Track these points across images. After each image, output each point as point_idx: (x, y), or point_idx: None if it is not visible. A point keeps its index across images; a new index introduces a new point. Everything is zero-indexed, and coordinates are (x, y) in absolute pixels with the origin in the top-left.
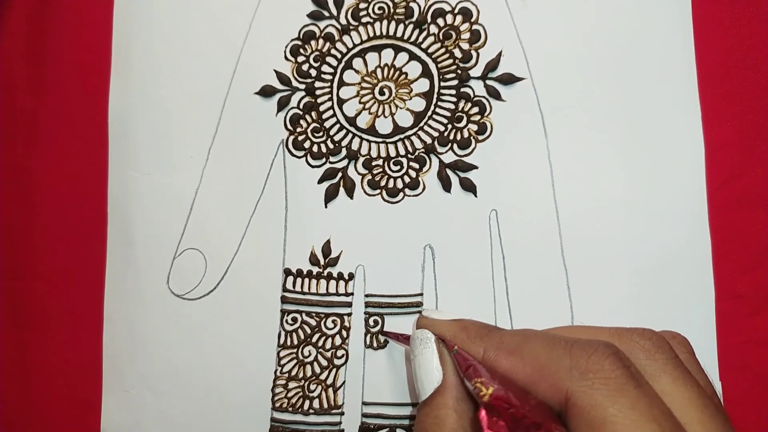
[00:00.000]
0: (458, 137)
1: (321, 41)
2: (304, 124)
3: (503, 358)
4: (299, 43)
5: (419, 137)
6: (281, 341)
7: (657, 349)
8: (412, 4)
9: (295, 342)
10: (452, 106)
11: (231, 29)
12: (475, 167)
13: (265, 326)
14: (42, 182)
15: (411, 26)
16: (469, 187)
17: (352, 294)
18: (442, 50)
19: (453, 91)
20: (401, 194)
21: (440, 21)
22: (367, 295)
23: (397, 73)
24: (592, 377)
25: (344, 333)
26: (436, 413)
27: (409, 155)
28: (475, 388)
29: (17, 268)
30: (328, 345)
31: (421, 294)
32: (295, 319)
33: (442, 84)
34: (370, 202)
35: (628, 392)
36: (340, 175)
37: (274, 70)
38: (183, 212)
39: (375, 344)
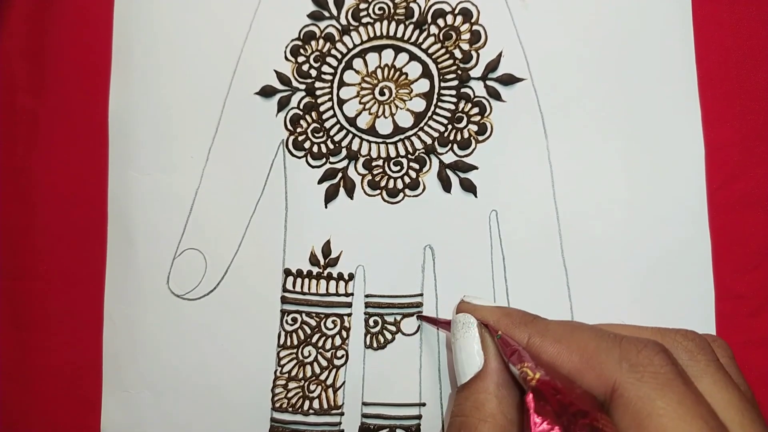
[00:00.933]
0: (458, 138)
1: (321, 41)
2: (305, 125)
3: (549, 345)
4: (299, 43)
5: (419, 138)
6: (281, 341)
7: (699, 351)
8: (412, 5)
9: (295, 342)
10: (452, 107)
11: (231, 29)
12: (475, 168)
13: (265, 326)
14: (42, 182)
15: (411, 27)
16: (469, 187)
17: (352, 294)
18: (443, 51)
19: (453, 92)
20: (401, 195)
21: (440, 21)
22: (367, 296)
23: (398, 73)
24: (642, 370)
25: (344, 333)
26: (476, 397)
27: (410, 156)
28: (521, 372)
29: (17, 268)
30: (328, 345)
31: (421, 294)
32: (295, 320)
33: (443, 84)
34: (370, 202)
35: (676, 388)
36: (340, 175)
37: (275, 71)
38: (183, 212)
39: (375, 344)
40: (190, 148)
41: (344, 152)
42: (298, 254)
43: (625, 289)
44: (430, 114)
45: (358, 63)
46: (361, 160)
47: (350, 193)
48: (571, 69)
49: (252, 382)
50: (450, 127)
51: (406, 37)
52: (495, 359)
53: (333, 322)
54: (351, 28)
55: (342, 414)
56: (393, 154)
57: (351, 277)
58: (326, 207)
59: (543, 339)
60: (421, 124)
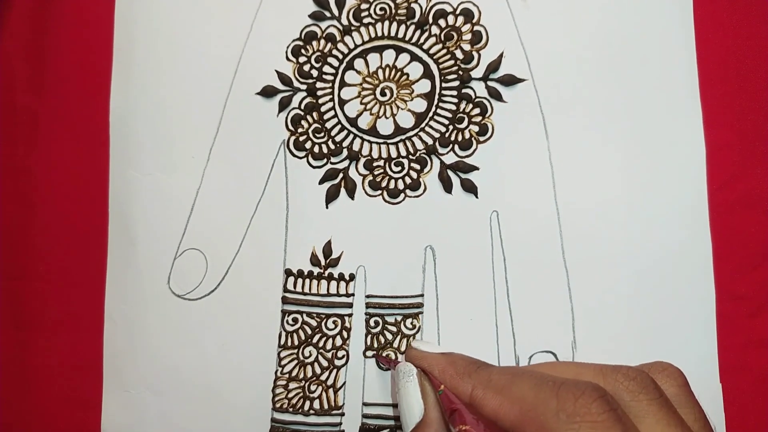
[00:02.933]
0: (459, 138)
1: (322, 42)
2: (306, 125)
3: (491, 397)
4: (301, 43)
5: (420, 138)
6: (282, 342)
7: (641, 390)
8: (413, 5)
9: (296, 342)
10: (453, 107)
11: (232, 29)
12: (476, 168)
13: (266, 327)
14: (42, 182)
15: (412, 27)
16: (470, 188)
17: (352, 295)
18: (444, 51)
19: (454, 92)
20: (402, 195)
21: (442, 22)
22: (367, 296)
23: (399, 73)
24: (579, 420)
25: (345, 334)
26: None
27: (410, 156)
28: None
29: (17, 268)
30: (329, 345)
31: (422, 295)
32: (295, 320)
33: (444, 85)
34: (371, 202)
35: None
36: (341, 175)
37: (276, 71)
38: (184, 212)
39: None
40: (191, 149)
41: (345, 152)
42: (299, 254)
43: (625, 290)
44: (431, 114)
45: (359, 63)
46: (362, 160)
47: (351, 194)
48: (572, 70)
49: (252, 382)
50: (451, 127)
51: (407, 38)
52: (435, 409)
53: (334, 322)
54: (352, 28)
55: (342, 414)
56: (394, 154)
57: (352, 277)
58: (327, 207)
59: (485, 391)
60: (422, 125)
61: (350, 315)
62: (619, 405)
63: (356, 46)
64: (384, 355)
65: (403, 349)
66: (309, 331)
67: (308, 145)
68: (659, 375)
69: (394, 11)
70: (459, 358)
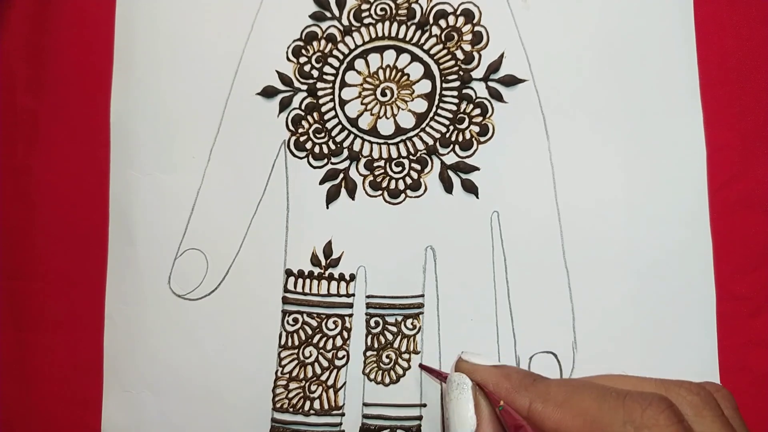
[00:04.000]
0: (460, 138)
1: (323, 42)
2: (306, 125)
3: (551, 411)
4: (301, 43)
5: (421, 138)
6: (282, 342)
7: (704, 406)
8: (414, 6)
9: (296, 343)
10: (454, 108)
11: (233, 30)
12: (477, 169)
13: (266, 327)
14: (42, 182)
15: (413, 27)
16: (470, 188)
17: (353, 295)
18: (444, 51)
19: (455, 93)
20: (403, 195)
21: (442, 22)
22: (368, 296)
23: (399, 74)
24: (648, 431)
25: (345, 334)
26: None
27: (411, 156)
28: None
29: (17, 268)
30: (329, 346)
31: (422, 295)
32: (296, 320)
33: (444, 85)
34: (372, 203)
35: None
36: (341, 176)
37: (276, 71)
38: (184, 212)
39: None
40: (191, 149)
41: (346, 153)
42: (300, 255)
43: (626, 290)
44: (431, 115)
45: (359, 64)
46: (363, 160)
47: (352, 194)
48: (572, 70)
49: (253, 382)
50: (452, 128)
51: (407, 38)
52: (489, 424)
53: (334, 322)
54: (353, 28)
55: (343, 414)
56: (394, 154)
57: (352, 277)
58: (328, 207)
59: (545, 404)
60: (423, 125)
61: (351, 315)
62: (685, 419)
63: (357, 47)
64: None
65: (403, 349)
66: (309, 331)
67: (309, 145)
68: (715, 395)
69: (394, 12)
70: (514, 371)
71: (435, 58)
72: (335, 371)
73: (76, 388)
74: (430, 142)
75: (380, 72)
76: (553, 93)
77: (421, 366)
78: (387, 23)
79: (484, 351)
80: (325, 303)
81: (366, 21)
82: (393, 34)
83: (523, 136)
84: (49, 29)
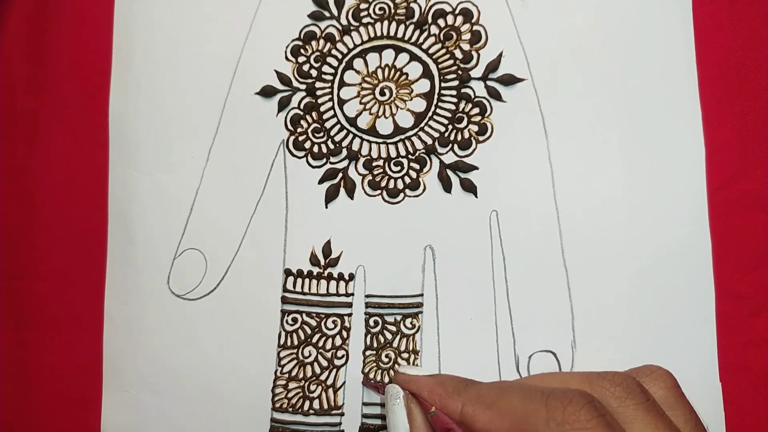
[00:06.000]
0: (459, 138)
1: (322, 41)
2: (305, 125)
3: (481, 412)
4: (300, 43)
5: (420, 138)
6: (281, 341)
7: (627, 395)
8: (412, 5)
9: (296, 342)
10: (453, 107)
11: (232, 29)
12: (476, 168)
13: (266, 326)
14: (42, 182)
15: (412, 27)
16: (469, 187)
17: (352, 294)
18: (443, 51)
19: (453, 92)
20: (402, 195)
21: (441, 22)
22: (367, 296)
23: (398, 73)
24: (569, 428)
25: (344, 333)
26: None
27: (410, 156)
28: None
29: (17, 268)
30: (329, 345)
31: (422, 295)
32: (295, 320)
33: (443, 85)
34: (371, 202)
35: None
36: (340, 175)
37: (275, 71)
38: (183, 212)
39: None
40: (190, 148)
41: (345, 152)
42: (299, 254)
43: (625, 290)
44: (430, 114)
45: (358, 63)
46: (362, 160)
47: (351, 194)
48: (571, 69)
49: (252, 382)
50: (450, 127)
51: (406, 38)
52: (420, 431)
53: (333, 322)
54: (351, 28)
55: (342, 414)
56: (393, 154)
57: (351, 277)
58: (327, 207)
59: (476, 407)
60: (422, 125)
61: (350, 315)
62: (608, 411)
63: (355, 46)
64: (371, 380)
65: (402, 348)
66: (309, 331)
67: (307, 144)
68: (647, 378)
69: (393, 11)
70: (447, 378)
71: (434, 57)
72: (334, 371)
73: (75, 388)
74: (429, 141)
75: (379, 71)
76: (552, 92)
77: (363, 382)
78: (386, 23)
79: (484, 350)
80: (325, 303)
81: (365, 20)
82: (392, 33)
83: (522, 135)
84: (48, 29)
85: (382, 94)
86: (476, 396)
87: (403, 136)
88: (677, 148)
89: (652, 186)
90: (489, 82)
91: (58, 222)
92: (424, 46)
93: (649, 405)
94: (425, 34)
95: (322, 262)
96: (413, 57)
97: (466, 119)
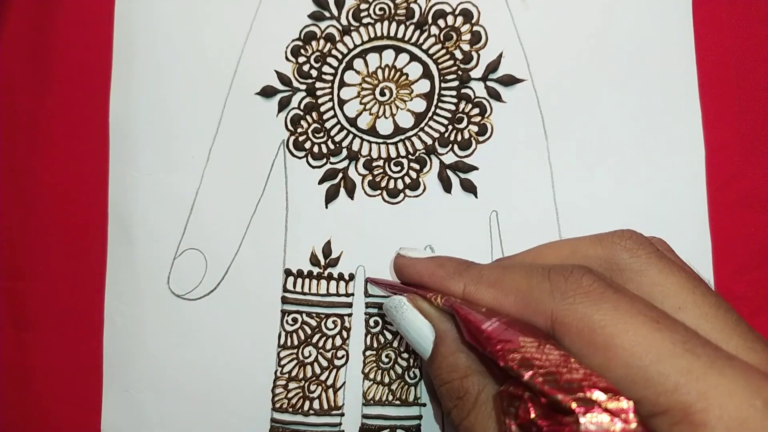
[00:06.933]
0: (459, 138)
1: (322, 42)
2: (305, 125)
3: (484, 291)
4: (300, 43)
5: (420, 138)
6: (281, 342)
7: (639, 246)
8: (412, 5)
9: (296, 342)
10: (453, 107)
11: (232, 29)
12: (476, 168)
13: (266, 327)
14: (42, 182)
15: (412, 27)
16: (469, 188)
17: (352, 294)
18: (443, 51)
19: (453, 92)
20: (402, 195)
21: (441, 22)
22: (367, 296)
23: (398, 74)
24: (573, 294)
25: (345, 333)
26: (447, 362)
27: (410, 156)
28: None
29: (17, 268)
30: (329, 345)
31: None
32: (295, 320)
33: (443, 85)
34: (371, 202)
35: (608, 297)
36: (340, 175)
37: (275, 71)
38: (183, 212)
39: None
40: (190, 148)
41: (345, 152)
42: (299, 254)
43: None
44: (430, 114)
45: (358, 63)
46: (362, 160)
47: (351, 194)
48: (571, 70)
49: (252, 382)
50: (450, 127)
51: (406, 38)
52: (442, 322)
53: (333, 322)
54: (352, 28)
55: (342, 414)
56: (393, 154)
57: (351, 277)
58: (327, 207)
59: (478, 286)
60: (422, 125)
61: (350, 315)
62: (608, 276)
63: (356, 46)
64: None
65: (402, 348)
66: (309, 331)
67: (308, 145)
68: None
69: (393, 11)
70: (447, 260)
71: (434, 57)
72: (335, 371)
73: (75, 388)
74: (429, 141)
75: (379, 72)
76: (552, 92)
77: (368, 279)
78: (386, 23)
79: None
80: (325, 303)
81: (365, 21)
82: (392, 33)
83: (522, 135)
84: (48, 29)
85: (382, 94)
86: (478, 276)
87: (403, 137)
88: (677, 148)
89: (652, 186)
90: (489, 83)
91: (58, 222)
92: (424, 47)
93: (660, 253)
94: (425, 34)
95: (322, 262)
96: (413, 57)
97: (466, 120)
